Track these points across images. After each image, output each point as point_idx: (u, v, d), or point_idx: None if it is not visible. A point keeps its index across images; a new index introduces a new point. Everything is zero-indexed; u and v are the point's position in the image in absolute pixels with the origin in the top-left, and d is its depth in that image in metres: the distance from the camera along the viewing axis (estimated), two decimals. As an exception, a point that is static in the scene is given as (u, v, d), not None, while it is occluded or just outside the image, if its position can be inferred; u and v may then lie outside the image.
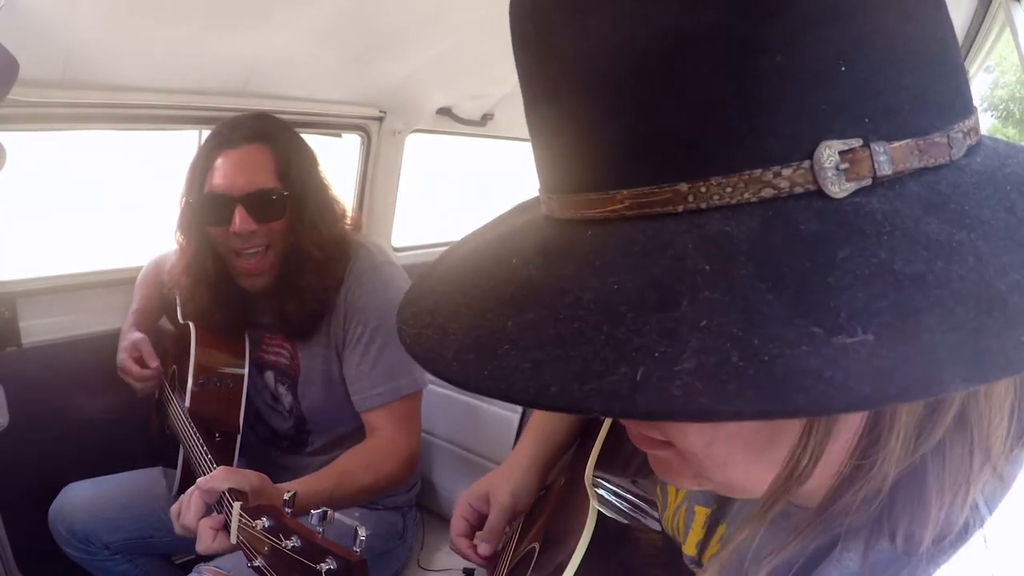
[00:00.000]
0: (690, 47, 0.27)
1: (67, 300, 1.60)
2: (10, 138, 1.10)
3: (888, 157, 0.28)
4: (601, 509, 0.77)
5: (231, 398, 1.33)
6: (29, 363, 1.52)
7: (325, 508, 0.84)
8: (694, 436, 0.35)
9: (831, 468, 0.35)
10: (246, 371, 1.35)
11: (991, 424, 0.33)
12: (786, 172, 0.28)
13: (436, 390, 1.59)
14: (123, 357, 1.42)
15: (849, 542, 0.37)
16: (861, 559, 0.36)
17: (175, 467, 1.34)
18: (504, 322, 0.30)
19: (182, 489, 1.31)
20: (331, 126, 1.85)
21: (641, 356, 0.26)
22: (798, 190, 0.28)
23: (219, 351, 1.36)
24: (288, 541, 0.80)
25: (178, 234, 1.31)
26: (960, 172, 0.30)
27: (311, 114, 1.71)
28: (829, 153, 0.27)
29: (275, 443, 1.44)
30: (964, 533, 0.34)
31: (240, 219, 1.19)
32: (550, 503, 0.92)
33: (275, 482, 1.43)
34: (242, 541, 0.89)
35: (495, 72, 1.74)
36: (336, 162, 1.44)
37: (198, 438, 1.21)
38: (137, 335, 1.44)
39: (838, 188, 0.27)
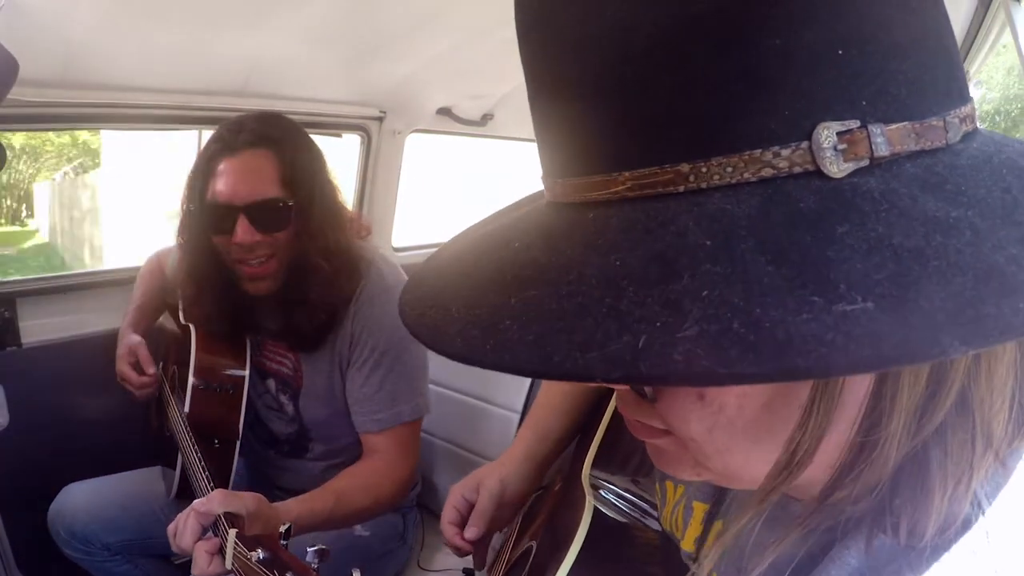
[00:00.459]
0: (693, 30, 0.28)
1: (67, 300, 1.61)
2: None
3: (885, 139, 0.28)
4: (598, 507, 0.77)
5: (231, 403, 1.31)
6: (29, 363, 1.53)
7: (321, 546, 0.83)
8: (695, 422, 0.36)
9: (831, 455, 0.35)
10: (247, 376, 1.33)
11: (992, 408, 0.33)
12: (785, 152, 0.28)
13: (436, 390, 1.59)
14: (121, 364, 1.41)
15: (849, 538, 0.37)
16: (863, 554, 0.36)
17: (174, 467, 1.34)
18: (507, 299, 0.31)
19: (180, 493, 1.31)
20: (331, 126, 1.86)
21: (643, 326, 0.26)
22: (797, 170, 0.28)
23: (220, 355, 1.34)
24: None
25: (180, 239, 1.29)
26: (956, 156, 0.30)
27: (311, 114, 1.71)
28: (827, 134, 0.28)
29: (275, 446, 1.43)
30: (966, 525, 0.34)
31: (242, 230, 1.15)
32: (548, 502, 0.92)
33: (274, 482, 1.44)
34: (237, 568, 0.88)
35: (495, 72, 1.75)
36: (335, 162, 1.44)
37: (195, 448, 1.19)
38: (134, 339, 1.42)
39: (836, 168, 0.28)
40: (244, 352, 1.35)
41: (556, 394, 0.99)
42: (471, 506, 0.92)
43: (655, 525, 0.75)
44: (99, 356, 1.52)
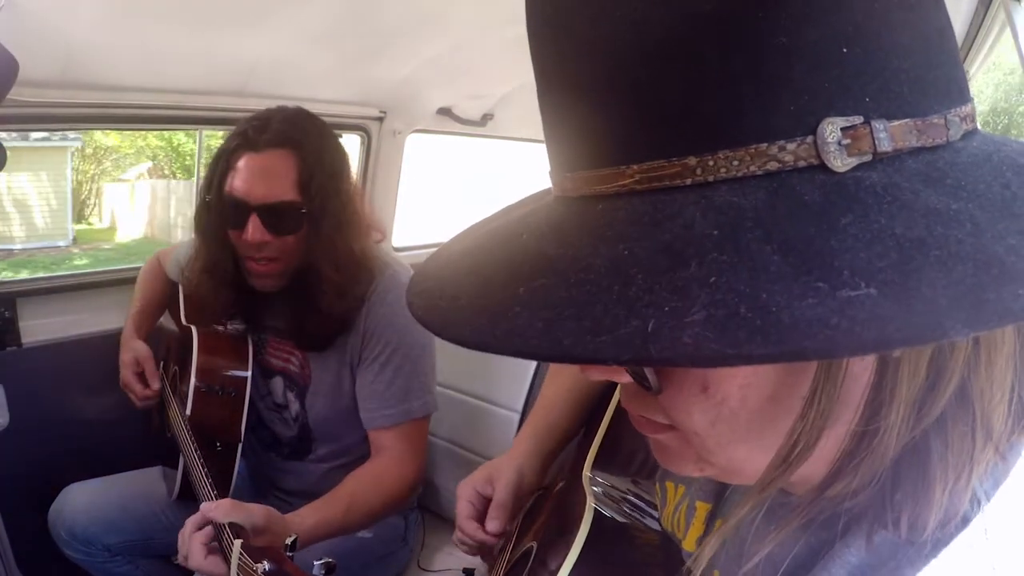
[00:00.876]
0: (702, 29, 0.29)
1: (67, 300, 1.61)
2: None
3: (888, 134, 0.29)
4: (599, 507, 0.77)
5: (233, 406, 1.31)
6: (29, 363, 1.53)
7: (328, 560, 0.83)
8: (698, 414, 0.36)
9: (832, 446, 0.35)
10: (249, 378, 1.33)
11: (992, 401, 0.34)
12: (790, 146, 0.29)
13: (437, 390, 1.58)
14: (126, 373, 1.41)
15: (850, 534, 0.37)
16: (863, 550, 0.37)
17: (175, 468, 1.34)
18: (515, 289, 0.31)
19: (182, 494, 1.31)
20: (331, 126, 1.85)
21: (652, 311, 0.27)
22: (801, 164, 0.29)
23: (222, 357, 1.34)
24: None
25: (196, 231, 1.30)
26: (957, 152, 0.31)
27: (311, 114, 1.71)
28: (832, 129, 0.29)
29: (276, 449, 1.43)
30: (966, 520, 0.34)
31: (253, 228, 1.16)
32: (548, 502, 0.92)
33: (276, 484, 1.44)
34: None
35: (495, 72, 1.75)
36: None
37: (197, 453, 1.19)
38: (141, 350, 1.42)
39: (840, 162, 0.29)
40: (246, 354, 1.35)
41: (561, 390, 0.99)
42: (484, 499, 0.92)
43: (655, 525, 0.75)
44: (99, 356, 1.52)
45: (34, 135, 7.56)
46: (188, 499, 1.27)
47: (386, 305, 1.25)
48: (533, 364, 1.49)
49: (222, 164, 1.20)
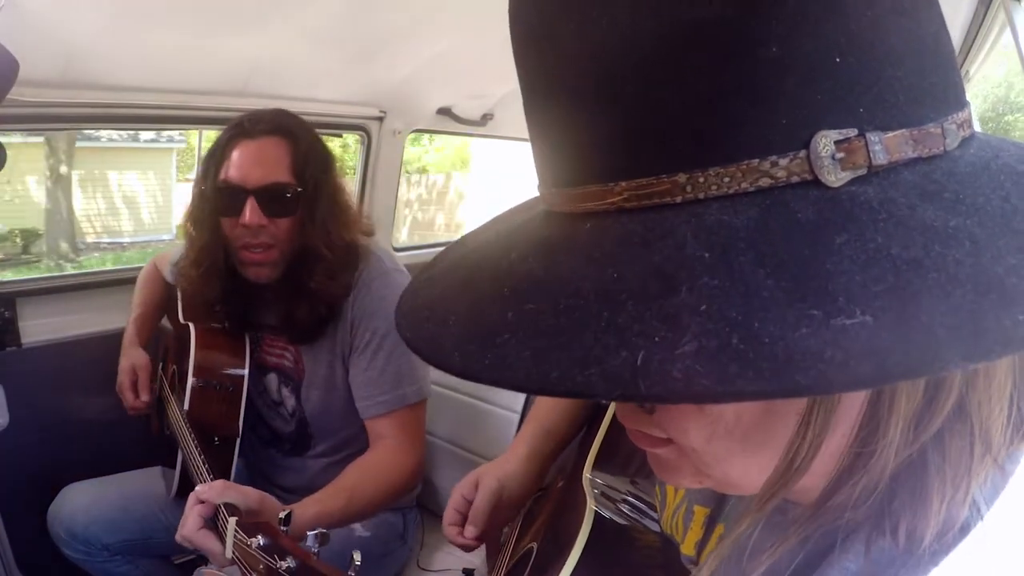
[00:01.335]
0: (691, 40, 0.28)
1: (67, 300, 1.61)
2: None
3: (883, 147, 0.28)
4: (599, 509, 0.77)
5: (231, 401, 1.32)
6: (29, 363, 1.53)
7: (321, 529, 0.83)
8: (694, 432, 0.36)
9: (829, 461, 0.35)
10: (246, 372, 1.34)
11: (991, 414, 0.33)
12: (783, 162, 0.28)
13: (436, 390, 1.59)
14: (122, 379, 1.42)
15: (849, 542, 0.37)
16: (861, 559, 0.36)
17: (174, 467, 1.34)
18: (504, 313, 0.31)
19: (180, 491, 1.31)
20: (331, 126, 1.86)
21: (641, 341, 0.26)
22: (795, 179, 0.28)
23: (219, 352, 1.35)
24: (283, 562, 0.80)
25: (188, 224, 1.30)
26: (954, 162, 0.30)
27: (311, 114, 1.71)
28: (825, 143, 0.28)
29: (276, 445, 1.44)
30: (964, 530, 0.34)
31: (250, 211, 1.18)
32: (549, 503, 0.93)
33: (275, 481, 1.44)
34: (237, 557, 0.88)
35: (495, 72, 1.75)
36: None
37: (196, 446, 1.20)
38: (140, 359, 1.43)
39: (834, 177, 0.28)
40: (243, 349, 1.36)
41: None
42: (470, 505, 0.92)
43: (655, 527, 0.75)
44: (99, 356, 1.52)
45: (143, 136, 8.18)
46: (187, 497, 1.27)
47: (372, 292, 1.27)
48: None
49: (217, 155, 1.22)
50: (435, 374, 1.36)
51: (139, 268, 1.60)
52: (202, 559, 1.28)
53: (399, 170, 2.11)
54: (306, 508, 1.07)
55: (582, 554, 0.72)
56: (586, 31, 0.30)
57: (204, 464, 1.15)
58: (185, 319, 1.41)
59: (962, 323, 0.24)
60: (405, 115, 1.95)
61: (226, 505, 0.94)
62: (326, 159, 1.28)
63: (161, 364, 1.49)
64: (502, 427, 1.53)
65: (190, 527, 0.95)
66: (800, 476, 0.34)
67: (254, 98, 1.55)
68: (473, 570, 1.04)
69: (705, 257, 0.27)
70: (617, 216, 0.31)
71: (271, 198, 1.19)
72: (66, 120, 1.44)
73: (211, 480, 1.11)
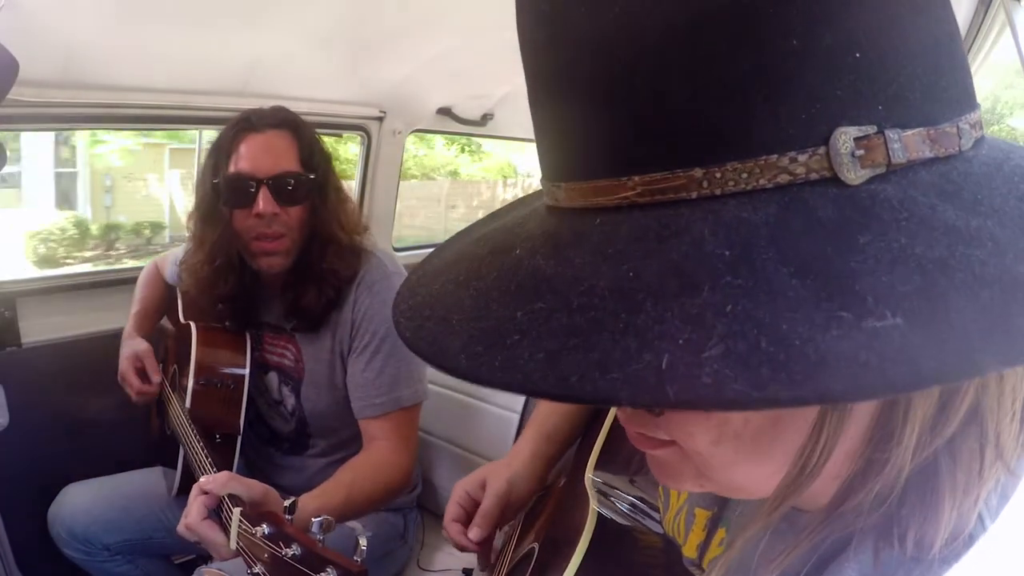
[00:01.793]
0: (709, 27, 0.27)
1: (67, 300, 1.61)
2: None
3: (902, 145, 0.28)
4: (601, 510, 0.77)
5: (232, 399, 1.32)
6: (29, 363, 1.52)
7: (326, 517, 0.83)
8: (700, 435, 0.35)
9: (842, 465, 0.34)
10: (247, 371, 1.34)
11: (1003, 418, 0.33)
12: (802, 158, 0.27)
13: (436, 389, 1.59)
14: (125, 366, 1.41)
15: (857, 548, 0.36)
16: (869, 565, 0.36)
17: (175, 467, 1.34)
18: (512, 312, 0.29)
19: (181, 490, 1.31)
20: (331, 126, 1.85)
21: (665, 343, 0.25)
22: (813, 176, 0.27)
23: (221, 351, 1.35)
24: (288, 549, 0.80)
25: (195, 221, 1.31)
26: (969, 163, 0.30)
27: (311, 114, 1.71)
28: (845, 139, 0.27)
29: (275, 444, 1.44)
30: (973, 536, 0.33)
31: (264, 200, 1.19)
32: (550, 503, 0.92)
33: (276, 481, 1.44)
34: (242, 547, 0.88)
35: (495, 72, 1.75)
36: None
37: (198, 440, 1.20)
38: (141, 345, 1.43)
39: (854, 175, 0.27)
40: (244, 348, 1.36)
41: None
42: (475, 503, 0.91)
43: (657, 528, 0.75)
44: (99, 356, 1.52)
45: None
46: (188, 496, 1.27)
47: (373, 294, 1.28)
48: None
49: (225, 149, 1.24)
50: (434, 373, 1.36)
51: (139, 269, 1.60)
52: (203, 559, 1.29)
53: (399, 170, 2.10)
54: (305, 503, 1.07)
55: (585, 555, 0.71)
56: (597, 18, 0.29)
57: (207, 459, 1.15)
58: (186, 319, 1.41)
59: (994, 323, 0.23)
60: (405, 115, 1.95)
61: (230, 496, 0.94)
62: (327, 154, 1.31)
63: (161, 364, 1.49)
64: (501, 427, 1.53)
65: (194, 516, 0.94)
66: (812, 481, 0.33)
67: (254, 98, 1.54)
68: (472, 570, 1.04)
69: (726, 255, 0.26)
70: (629, 211, 0.30)
71: (283, 187, 1.21)
72: (66, 120, 1.44)
73: (213, 472, 1.11)
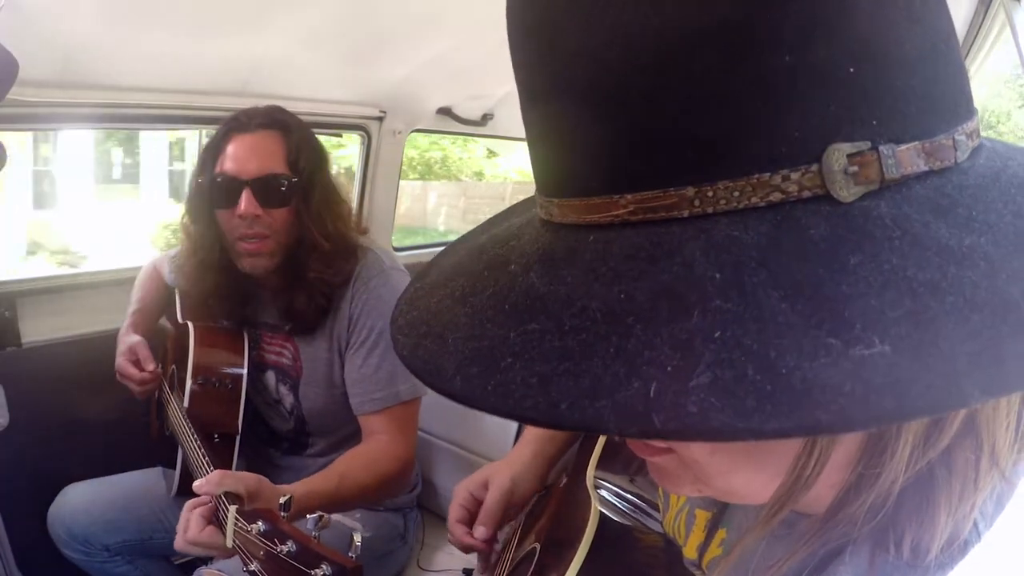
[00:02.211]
0: (701, 44, 0.27)
1: (67, 300, 1.60)
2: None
3: (896, 160, 0.27)
4: (603, 510, 0.77)
5: (230, 398, 1.32)
6: (29, 363, 1.52)
7: (321, 512, 0.83)
8: (696, 445, 0.35)
9: (836, 474, 0.35)
10: (245, 371, 1.34)
11: (999, 427, 0.33)
12: (795, 176, 0.27)
13: (436, 390, 1.58)
14: (121, 361, 1.41)
15: (853, 555, 0.37)
16: (865, 571, 0.36)
17: (175, 467, 1.34)
18: (506, 332, 0.29)
19: (181, 490, 1.31)
20: (331, 126, 1.85)
21: (653, 370, 0.24)
22: (806, 194, 0.27)
23: (218, 350, 1.35)
24: (283, 546, 0.80)
25: (186, 218, 1.31)
26: (964, 175, 0.29)
27: (311, 114, 1.71)
28: (838, 156, 0.27)
29: (274, 444, 1.44)
30: (969, 542, 0.33)
31: (246, 202, 1.19)
32: (551, 503, 0.92)
33: (275, 481, 1.44)
34: (238, 545, 0.88)
35: (495, 72, 1.74)
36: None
37: (196, 440, 1.20)
38: (135, 338, 1.43)
39: (847, 192, 0.27)
40: (242, 347, 1.36)
41: None
42: (478, 503, 0.91)
43: (658, 527, 0.75)
44: (99, 356, 1.51)
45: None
46: (187, 496, 1.27)
47: (370, 288, 1.28)
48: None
49: (214, 148, 1.24)
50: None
51: (139, 268, 1.60)
52: (202, 559, 1.28)
53: (399, 170, 2.10)
54: (295, 487, 1.07)
55: (587, 555, 0.71)
56: (590, 30, 0.29)
57: (205, 458, 1.15)
58: (184, 319, 1.41)
59: (982, 351, 0.23)
60: (405, 115, 1.95)
61: (226, 494, 0.94)
62: (319, 154, 1.30)
63: (160, 365, 1.49)
64: (502, 427, 1.53)
65: (194, 530, 0.94)
66: (807, 491, 0.34)
67: (254, 98, 1.54)
68: (472, 570, 1.04)
69: (716, 278, 0.26)
70: (621, 229, 0.29)
71: (266, 189, 1.20)
72: (66, 120, 1.44)
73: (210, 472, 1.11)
